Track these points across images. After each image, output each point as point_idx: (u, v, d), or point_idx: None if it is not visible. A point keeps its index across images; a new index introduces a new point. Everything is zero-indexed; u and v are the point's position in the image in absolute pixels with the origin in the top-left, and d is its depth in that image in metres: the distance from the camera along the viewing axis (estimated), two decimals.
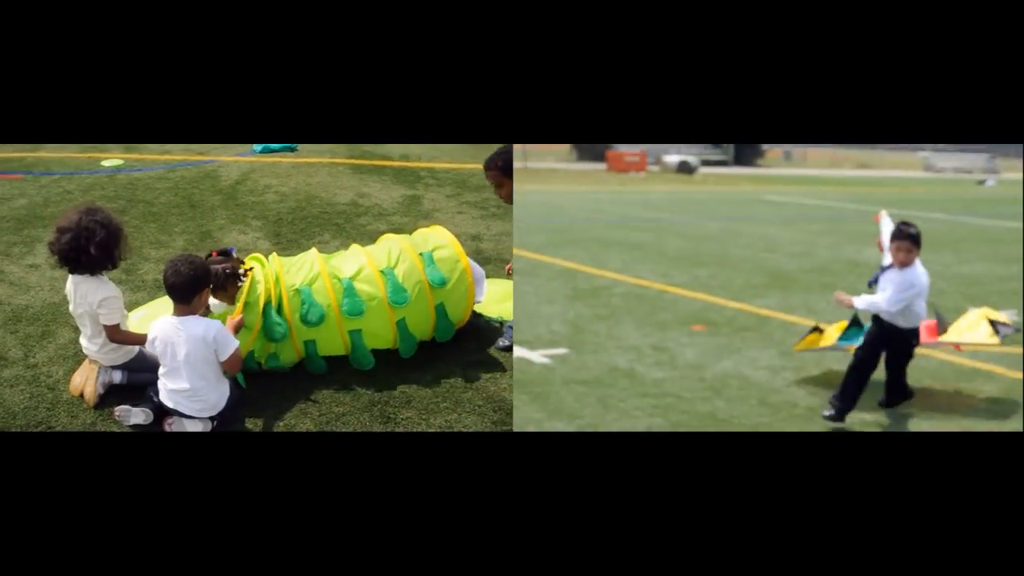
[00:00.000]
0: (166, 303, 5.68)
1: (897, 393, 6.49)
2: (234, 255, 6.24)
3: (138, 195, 11.07)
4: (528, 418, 6.27)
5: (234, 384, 5.77)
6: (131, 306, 6.96)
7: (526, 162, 39.98)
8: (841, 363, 6.41)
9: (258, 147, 13.77)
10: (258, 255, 6.48)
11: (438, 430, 5.70)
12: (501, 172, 6.65)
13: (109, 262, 5.77)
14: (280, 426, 5.68)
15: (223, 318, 5.85)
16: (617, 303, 10.38)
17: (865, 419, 6.31)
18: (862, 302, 6.23)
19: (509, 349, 6.80)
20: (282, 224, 9.95)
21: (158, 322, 5.59)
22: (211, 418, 5.59)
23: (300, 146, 14.03)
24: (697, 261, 13.84)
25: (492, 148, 6.81)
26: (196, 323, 5.50)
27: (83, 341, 5.95)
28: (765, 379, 7.33)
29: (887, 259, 6.31)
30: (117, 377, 5.92)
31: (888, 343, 6.28)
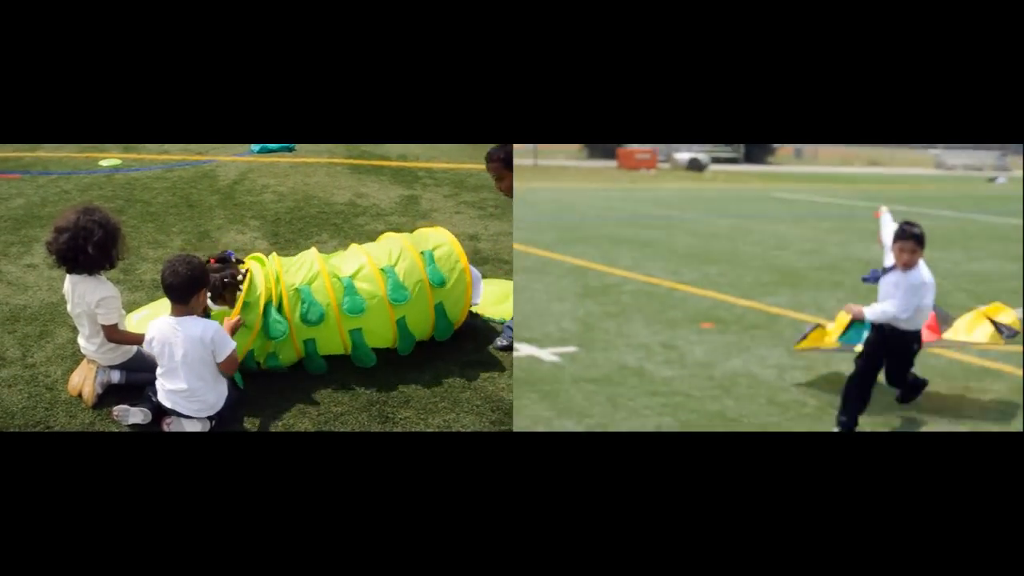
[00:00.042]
0: (167, 304, 5.68)
1: (910, 390, 6.43)
2: (232, 259, 6.24)
3: (136, 195, 11.09)
4: (537, 416, 6.29)
5: (231, 384, 5.76)
6: (129, 306, 6.96)
7: (536, 159, 40.00)
8: (848, 362, 6.39)
9: (256, 147, 13.81)
10: (258, 255, 6.50)
11: (436, 430, 5.71)
12: (503, 164, 6.67)
13: (107, 262, 5.77)
14: (279, 426, 5.68)
15: (221, 318, 5.86)
16: (627, 301, 10.39)
17: (875, 419, 6.30)
18: (873, 312, 5.99)
19: (507, 349, 6.80)
20: (280, 224, 9.97)
21: (156, 322, 5.58)
22: (209, 418, 5.58)
23: (298, 146, 14.06)
24: (707, 259, 13.84)
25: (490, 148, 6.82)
26: (194, 323, 5.50)
27: (81, 341, 5.95)
28: (774, 378, 7.33)
29: (888, 259, 6.15)
30: (115, 377, 5.91)
31: (889, 348, 6.10)
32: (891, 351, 6.12)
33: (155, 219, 10.03)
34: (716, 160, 42.99)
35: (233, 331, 5.78)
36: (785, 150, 52.10)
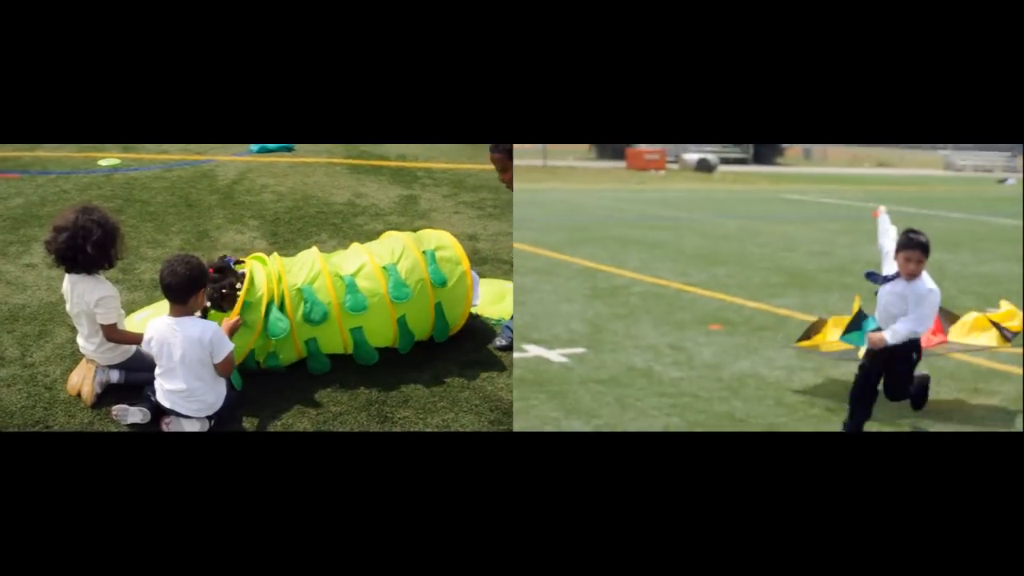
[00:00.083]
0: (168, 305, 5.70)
1: (917, 395, 6.27)
2: (231, 265, 6.22)
3: (135, 194, 11.11)
4: (546, 417, 6.31)
5: (228, 385, 5.74)
6: (128, 305, 6.94)
7: (545, 160, 40.03)
8: (855, 364, 6.39)
9: (255, 147, 13.84)
10: (260, 254, 6.50)
11: (435, 429, 5.71)
12: (507, 155, 6.67)
13: (106, 261, 5.77)
14: (278, 425, 5.68)
15: (219, 318, 5.85)
16: (635, 302, 10.41)
17: (882, 420, 6.30)
18: (894, 336, 5.73)
19: (507, 349, 6.81)
20: (279, 224, 9.99)
21: (154, 322, 5.58)
22: (208, 418, 5.57)
23: (297, 146, 14.09)
24: (715, 260, 13.85)
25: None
26: (192, 324, 5.48)
27: (80, 340, 5.94)
28: (783, 379, 7.34)
29: (888, 265, 5.96)
30: (114, 376, 5.91)
31: (888, 358, 5.90)
32: (890, 361, 5.90)
33: (154, 219, 10.05)
34: (725, 161, 42.97)
35: (232, 332, 5.77)
36: (794, 151, 52.12)
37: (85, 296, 5.70)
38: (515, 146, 6.61)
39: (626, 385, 7.11)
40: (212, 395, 5.57)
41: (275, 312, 6.00)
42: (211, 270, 5.97)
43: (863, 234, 17.56)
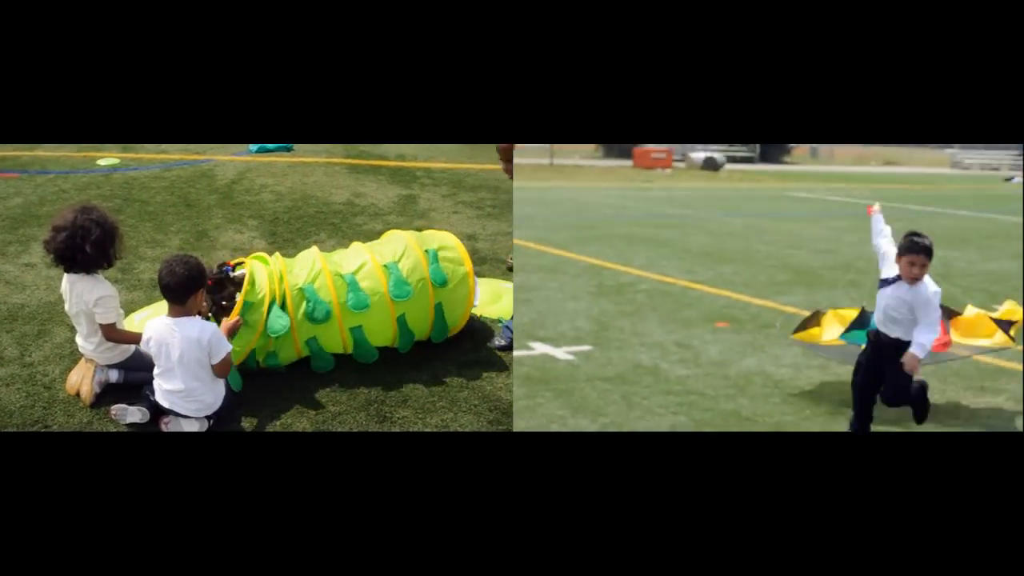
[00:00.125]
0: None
1: (918, 403, 6.00)
2: (230, 274, 6.20)
3: (134, 194, 11.14)
4: (552, 415, 6.31)
5: (226, 385, 5.73)
6: (127, 305, 6.95)
7: (552, 159, 40.06)
8: None
9: (254, 147, 13.88)
10: (261, 254, 6.51)
11: (434, 429, 5.70)
12: (512, 145, 6.66)
13: (104, 261, 5.77)
14: (277, 425, 5.67)
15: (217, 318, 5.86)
16: (642, 300, 10.40)
17: (889, 420, 6.28)
18: (923, 350, 5.60)
19: (506, 348, 6.81)
20: (278, 223, 10.01)
21: (153, 322, 5.57)
22: (207, 417, 5.57)
23: (296, 146, 14.12)
24: (722, 258, 13.84)
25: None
26: (191, 324, 5.47)
27: (79, 340, 5.95)
28: (789, 377, 7.34)
29: (887, 267, 5.87)
30: (113, 376, 5.91)
31: (887, 357, 5.78)
32: (889, 360, 5.78)
33: (153, 218, 10.07)
34: (731, 159, 42.98)
35: (233, 333, 5.77)
36: (801, 149, 52.14)
37: (84, 296, 5.70)
38: (521, 145, 6.63)
39: (632, 383, 7.11)
40: (211, 395, 5.56)
41: (275, 310, 6.00)
42: (209, 282, 5.97)
43: (869, 232, 17.54)
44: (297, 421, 5.72)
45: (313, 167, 12.98)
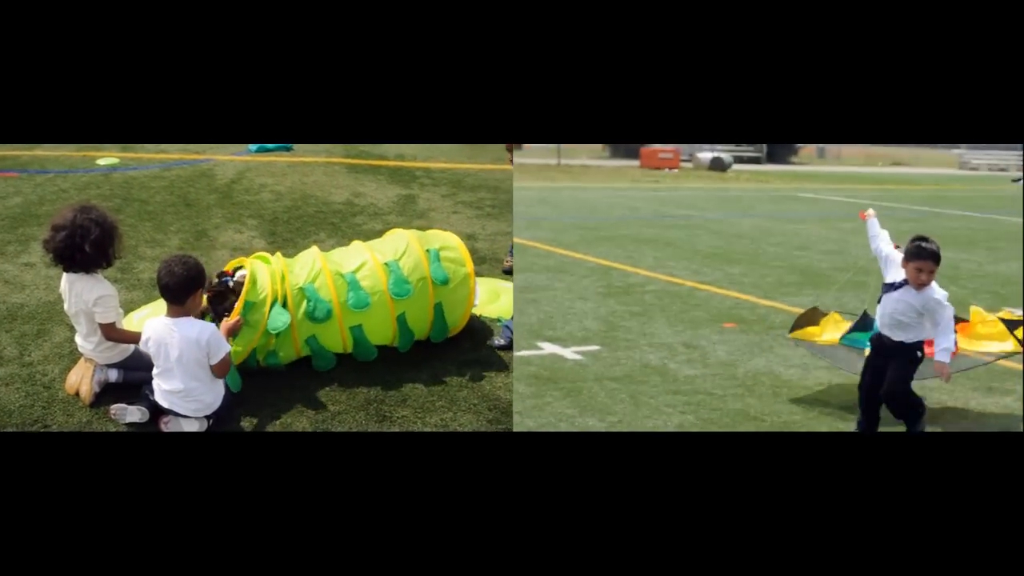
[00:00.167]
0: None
1: (912, 414, 5.92)
2: (230, 284, 6.20)
3: (134, 194, 11.16)
4: (561, 414, 6.34)
5: (225, 385, 5.71)
6: (127, 304, 6.94)
7: (559, 159, 40.10)
8: None
9: (253, 146, 13.91)
10: (263, 253, 6.52)
11: (434, 429, 5.70)
12: None
13: (104, 260, 5.76)
14: (276, 425, 5.67)
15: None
16: (649, 300, 10.42)
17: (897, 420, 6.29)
18: (946, 354, 5.61)
19: (505, 348, 6.81)
20: (278, 223, 10.02)
21: (152, 322, 5.56)
22: (207, 417, 5.56)
23: (295, 145, 14.15)
24: (729, 259, 13.86)
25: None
26: (190, 325, 5.46)
27: (79, 339, 5.93)
28: (797, 377, 7.35)
29: (890, 271, 5.87)
30: (113, 375, 5.90)
31: (890, 355, 5.81)
32: (895, 356, 5.80)
33: (153, 218, 10.08)
34: (739, 160, 42.99)
35: (233, 333, 5.78)
36: (808, 150, 52.16)
37: (83, 295, 5.70)
38: (528, 145, 6.65)
39: (640, 383, 7.13)
40: (210, 395, 5.55)
41: (276, 307, 6.01)
42: (209, 294, 5.99)
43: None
44: (297, 420, 5.72)
45: (312, 167, 13.02)
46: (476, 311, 7.18)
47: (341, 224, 10.03)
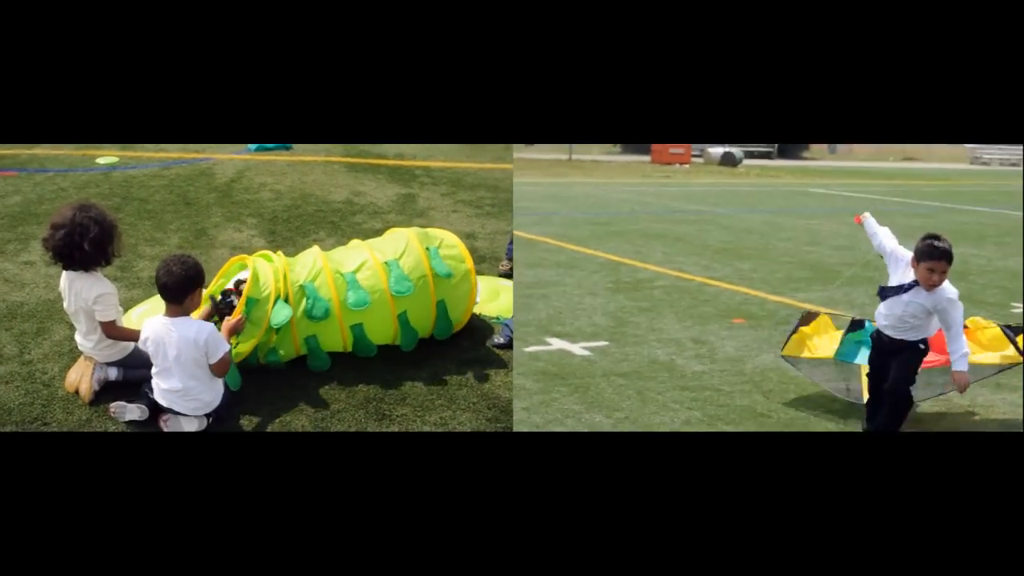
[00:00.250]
0: None
1: (895, 409, 5.79)
2: (234, 302, 6.16)
3: (133, 192, 11.17)
4: (568, 410, 6.34)
5: (224, 384, 5.72)
6: (126, 303, 6.95)
7: (571, 154, 40.11)
8: None
9: (253, 145, 13.93)
10: (266, 252, 6.53)
11: (433, 427, 5.70)
12: None
13: (103, 258, 5.76)
14: (276, 423, 5.67)
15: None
16: (659, 296, 10.43)
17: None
18: (965, 361, 5.50)
19: (505, 346, 6.82)
20: (277, 222, 10.03)
21: (150, 321, 5.57)
22: (206, 415, 5.56)
23: (295, 144, 14.16)
24: (739, 254, 13.85)
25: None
26: (188, 325, 5.47)
27: (78, 338, 5.94)
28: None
29: (897, 272, 5.75)
30: (112, 374, 5.91)
31: (894, 350, 5.74)
32: (900, 350, 5.72)
33: (152, 217, 10.09)
34: (750, 155, 42.95)
35: (234, 332, 5.80)
36: (819, 145, 52.04)
37: (83, 293, 5.70)
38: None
39: (648, 378, 7.13)
40: (209, 394, 5.56)
41: (279, 303, 6.02)
42: (216, 316, 6.00)
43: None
44: (296, 419, 5.72)
45: (312, 166, 13.04)
46: (476, 310, 7.19)
47: (341, 223, 10.04)
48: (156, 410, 5.54)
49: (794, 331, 6.80)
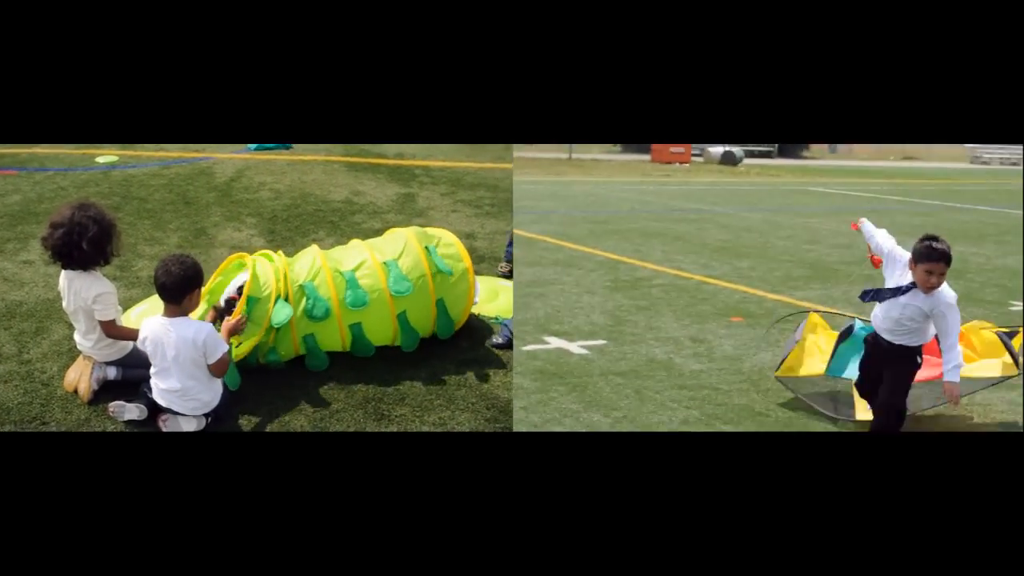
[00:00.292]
0: None
1: (887, 417, 5.70)
2: (234, 303, 6.17)
3: (132, 192, 11.17)
4: (565, 409, 6.34)
5: (223, 383, 5.72)
6: (126, 302, 6.94)
7: (571, 153, 40.13)
8: None
9: (252, 145, 13.94)
10: (267, 251, 6.52)
11: (432, 427, 5.69)
12: None
13: (101, 258, 5.75)
14: (274, 423, 5.66)
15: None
16: (657, 294, 10.43)
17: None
18: (958, 372, 5.37)
19: (504, 346, 6.80)
20: (277, 222, 10.03)
21: (149, 321, 5.56)
22: (205, 415, 5.56)
23: (294, 144, 14.17)
24: (738, 253, 13.86)
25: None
26: (186, 325, 5.46)
27: (77, 337, 5.93)
28: None
29: (894, 275, 5.65)
30: (111, 373, 5.90)
31: (889, 359, 5.64)
32: (889, 363, 5.65)
33: (152, 216, 10.08)
34: (750, 154, 42.97)
35: (234, 332, 5.80)
36: (819, 145, 52.07)
37: (82, 293, 5.69)
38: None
39: (646, 377, 7.13)
40: (208, 393, 5.55)
41: (279, 303, 6.02)
42: (218, 315, 5.99)
43: (887, 227, 17.49)
44: (295, 419, 5.71)
45: (312, 165, 13.04)
46: (475, 310, 7.18)
47: (340, 222, 10.04)
48: (155, 410, 5.53)
49: (786, 356, 6.74)
